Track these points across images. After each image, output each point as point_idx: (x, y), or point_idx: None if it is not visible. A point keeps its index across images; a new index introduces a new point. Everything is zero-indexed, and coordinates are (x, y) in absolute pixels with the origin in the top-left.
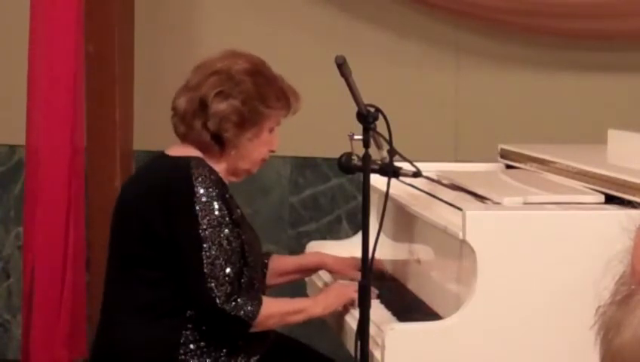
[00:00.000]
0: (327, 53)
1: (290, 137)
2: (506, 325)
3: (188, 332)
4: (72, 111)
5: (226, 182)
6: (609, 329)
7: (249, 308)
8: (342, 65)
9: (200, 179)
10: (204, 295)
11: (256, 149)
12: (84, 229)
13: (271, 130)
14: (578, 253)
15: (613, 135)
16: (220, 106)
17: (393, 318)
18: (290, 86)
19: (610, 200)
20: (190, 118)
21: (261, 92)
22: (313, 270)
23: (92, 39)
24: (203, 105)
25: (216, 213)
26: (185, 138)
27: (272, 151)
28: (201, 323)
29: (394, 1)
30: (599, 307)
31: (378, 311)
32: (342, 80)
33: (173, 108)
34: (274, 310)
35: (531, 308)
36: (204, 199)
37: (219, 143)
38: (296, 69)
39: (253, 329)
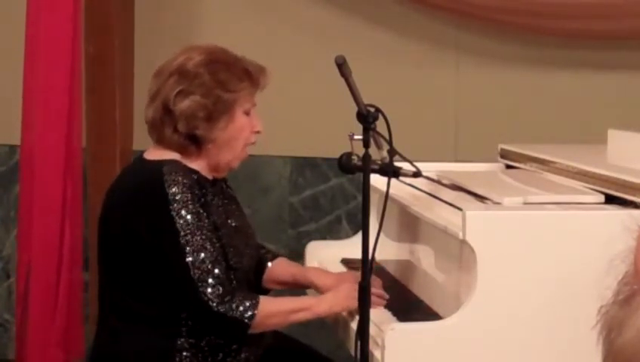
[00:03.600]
0: (327, 53)
1: (290, 137)
2: (506, 325)
3: (183, 339)
4: (67, 111)
5: (209, 178)
6: (611, 329)
7: (246, 307)
8: (342, 65)
9: (173, 184)
10: (198, 301)
11: (234, 137)
12: (82, 229)
13: (247, 113)
14: (577, 253)
15: (613, 135)
16: (183, 106)
17: (393, 318)
18: (254, 63)
19: (610, 200)
20: (159, 125)
21: (220, 79)
22: (307, 287)
23: (92, 39)
24: (167, 110)
25: (194, 216)
26: (160, 142)
27: (257, 132)
28: (197, 329)
29: (394, 1)
30: (601, 307)
31: (378, 311)
32: (342, 80)
33: (145, 121)
34: (274, 309)
35: (531, 308)
36: (178, 205)
37: (194, 142)
38: (296, 69)
39: (253, 330)
